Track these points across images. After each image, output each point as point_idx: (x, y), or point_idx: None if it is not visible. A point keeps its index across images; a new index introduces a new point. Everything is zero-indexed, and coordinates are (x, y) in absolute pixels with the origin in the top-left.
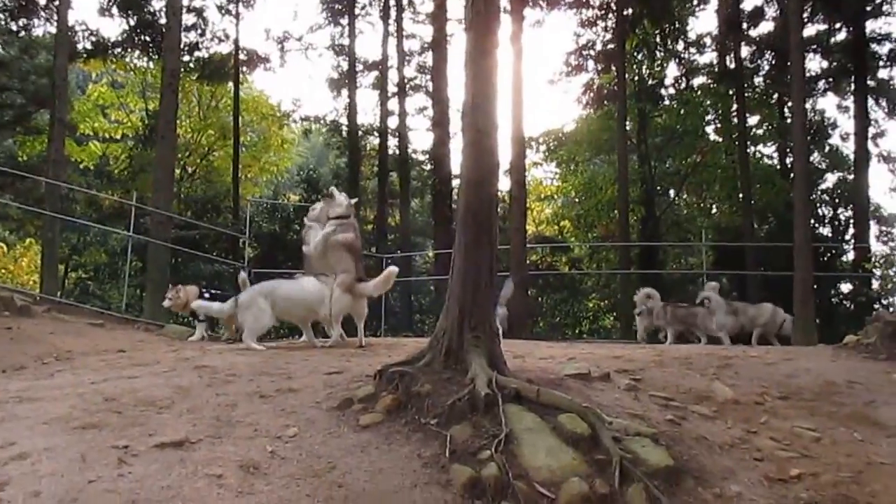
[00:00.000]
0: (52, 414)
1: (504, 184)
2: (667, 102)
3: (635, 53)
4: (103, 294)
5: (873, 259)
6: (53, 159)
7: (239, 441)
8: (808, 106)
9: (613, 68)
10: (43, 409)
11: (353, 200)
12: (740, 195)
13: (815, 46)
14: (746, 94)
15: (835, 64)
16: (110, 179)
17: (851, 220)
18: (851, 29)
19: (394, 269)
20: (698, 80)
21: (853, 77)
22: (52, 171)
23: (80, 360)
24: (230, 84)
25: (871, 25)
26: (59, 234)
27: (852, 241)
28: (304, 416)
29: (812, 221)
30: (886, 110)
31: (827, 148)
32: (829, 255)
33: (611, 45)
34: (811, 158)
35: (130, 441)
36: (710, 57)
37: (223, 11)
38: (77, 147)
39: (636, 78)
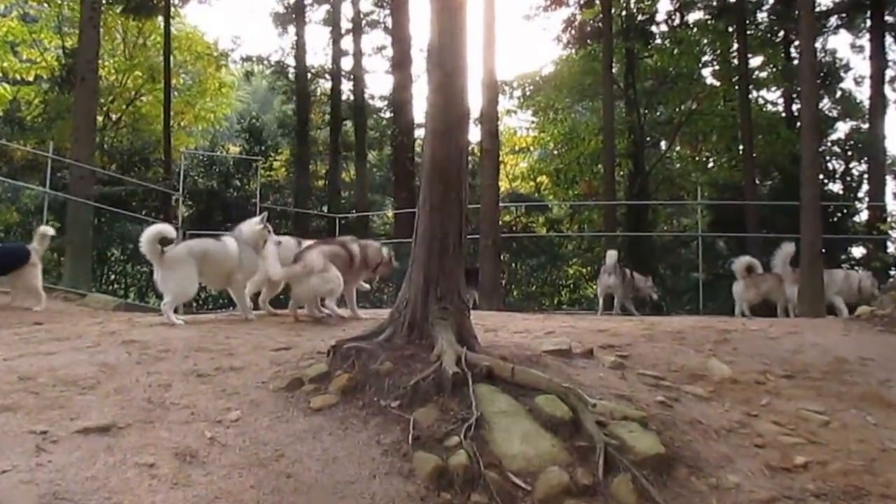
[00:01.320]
0: None
1: (474, 134)
2: (658, 41)
3: None
4: None
5: (889, 220)
6: None
7: (173, 426)
8: (817, 45)
9: (598, 2)
10: None
11: None
12: (740, 147)
13: None
14: (748, 32)
15: None
16: (22, 127)
17: (865, 176)
18: None
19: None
20: (694, 16)
21: (869, 12)
22: None
23: None
24: (159, 19)
25: None
26: None
27: (866, 199)
28: (247, 398)
29: (821, 177)
30: None
31: (839, 93)
32: (839, 214)
33: None
34: (821, 105)
35: (49, 426)
36: None
37: None
38: None
39: (623, 13)
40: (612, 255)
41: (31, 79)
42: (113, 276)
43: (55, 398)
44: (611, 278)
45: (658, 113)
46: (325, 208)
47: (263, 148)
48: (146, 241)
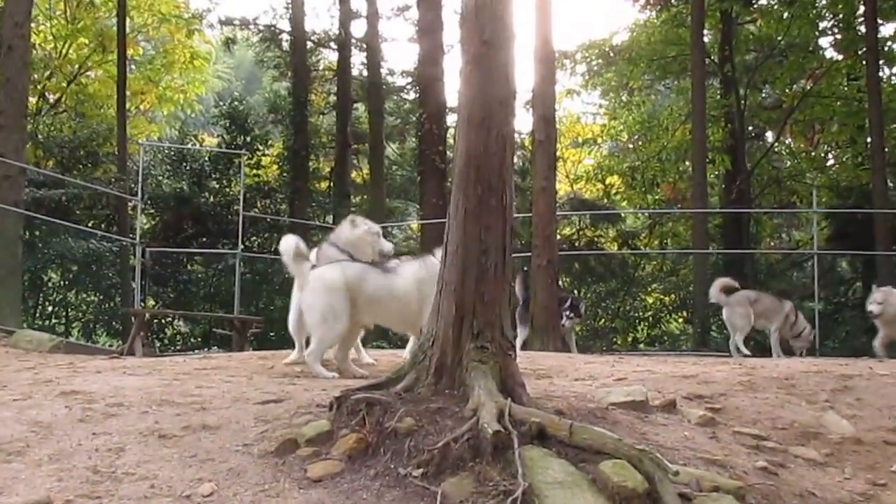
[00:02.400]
0: None
1: (524, 122)
2: (763, 2)
3: None
4: None
5: None
6: None
7: (127, 503)
8: None
9: None
10: None
11: None
12: (867, 139)
13: None
14: None
15: None
16: None
17: None
18: None
19: None
20: None
21: None
22: None
23: None
24: None
25: None
26: None
27: None
28: (224, 466)
29: None
30: None
31: None
32: None
33: None
34: None
35: None
36: None
37: None
38: None
39: None
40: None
41: None
42: (50, 308)
43: None
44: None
45: (763, 95)
46: (329, 218)
47: (249, 139)
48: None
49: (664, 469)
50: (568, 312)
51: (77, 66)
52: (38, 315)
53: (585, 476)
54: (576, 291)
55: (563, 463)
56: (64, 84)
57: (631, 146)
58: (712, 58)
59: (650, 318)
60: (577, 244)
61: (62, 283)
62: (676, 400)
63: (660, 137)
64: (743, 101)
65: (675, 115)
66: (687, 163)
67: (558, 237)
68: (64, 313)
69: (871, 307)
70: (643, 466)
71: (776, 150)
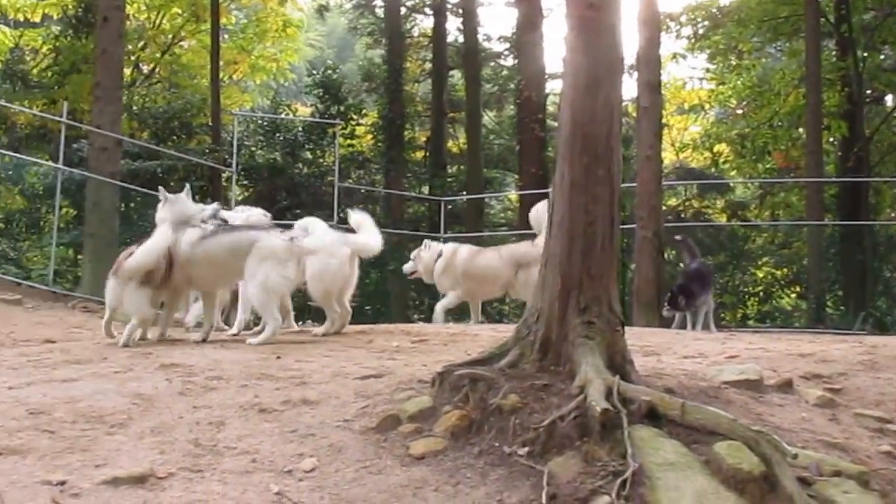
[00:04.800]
0: None
1: (627, 88)
2: None
3: None
4: (20, 257)
5: None
6: None
7: (228, 477)
8: None
9: None
10: None
11: None
12: None
13: None
14: None
15: None
16: (27, 84)
17: None
18: None
19: None
20: None
21: None
22: None
23: None
24: None
25: None
26: None
27: None
28: (325, 442)
29: None
30: None
31: None
32: None
33: None
34: None
35: (69, 474)
36: None
37: None
38: None
39: None
40: None
41: (37, 19)
42: None
43: (75, 439)
44: None
45: (882, 56)
46: (425, 189)
47: (343, 108)
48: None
49: (782, 451)
50: (666, 305)
51: (171, 36)
52: None
53: (698, 458)
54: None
55: (675, 443)
56: (158, 55)
57: (740, 112)
58: (827, 17)
59: (761, 294)
60: (683, 215)
61: None
62: (793, 379)
63: (771, 103)
64: (861, 64)
65: (788, 79)
66: (800, 129)
67: (664, 208)
68: None
69: None
70: (759, 448)
71: None
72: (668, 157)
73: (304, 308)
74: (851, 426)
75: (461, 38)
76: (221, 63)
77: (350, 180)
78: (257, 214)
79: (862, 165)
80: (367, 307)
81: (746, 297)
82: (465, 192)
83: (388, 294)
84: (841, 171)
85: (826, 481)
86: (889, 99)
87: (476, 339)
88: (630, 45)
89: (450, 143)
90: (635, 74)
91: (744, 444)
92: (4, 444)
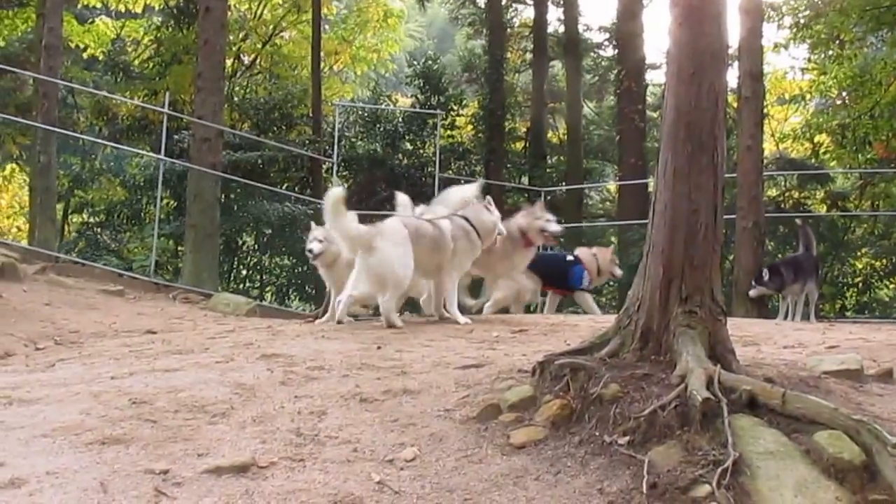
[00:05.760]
0: (56, 422)
1: (729, 77)
2: None
3: None
4: (121, 248)
5: None
6: (45, 44)
7: (330, 466)
8: None
9: None
10: (42, 414)
11: None
12: None
13: None
14: None
15: None
16: (128, 75)
17: None
18: None
19: None
20: None
21: None
22: (44, 63)
23: (91, 345)
24: None
25: None
26: (56, 157)
27: None
28: (426, 431)
29: None
30: None
31: None
32: None
33: None
34: None
35: (171, 464)
36: None
37: None
38: (79, 26)
39: None
40: None
41: (138, 10)
42: (245, 272)
43: (178, 428)
44: None
45: None
46: (524, 180)
47: (443, 99)
48: None
49: (883, 441)
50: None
51: (272, 26)
52: (232, 278)
53: (798, 447)
54: (780, 256)
55: (775, 433)
56: (259, 45)
57: (840, 102)
58: None
59: (859, 285)
60: (783, 206)
61: (256, 246)
62: (893, 369)
63: (873, 93)
64: None
65: (890, 68)
66: None
67: (764, 198)
68: (258, 277)
69: None
70: (860, 438)
71: None
72: (769, 147)
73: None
74: None
75: (562, 29)
76: (322, 53)
77: (450, 171)
78: None
79: None
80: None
81: (845, 287)
82: (564, 183)
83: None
84: None
85: None
86: None
87: (576, 328)
88: (732, 34)
89: (550, 134)
90: (737, 64)
91: (844, 434)
92: (108, 434)
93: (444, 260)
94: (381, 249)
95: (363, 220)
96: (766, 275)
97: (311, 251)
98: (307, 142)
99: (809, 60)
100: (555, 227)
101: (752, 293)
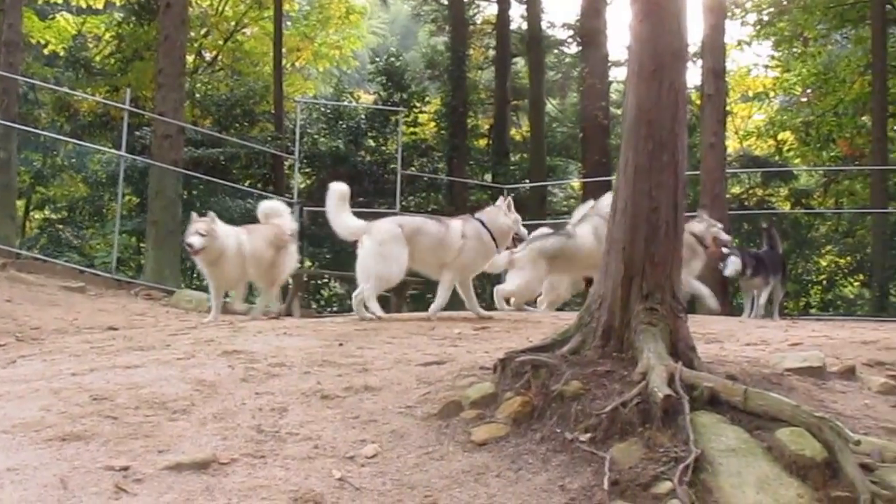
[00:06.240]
0: (16, 419)
1: (691, 75)
2: None
3: None
4: (83, 244)
5: None
6: (5, 40)
7: (291, 463)
8: None
9: None
10: (2, 411)
11: None
12: None
13: None
14: None
15: None
16: (90, 71)
17: None
18: None
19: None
20: None
21: None
22: (4, 59)
23: (52, 341)
24: None
25: None
26: (16, 153)
27: None
28: (387, 428)
29: None
30: None
31: None
32: None
33: None
34: None
35: (132, 460)
36: None
37: None
38: (40, 22)
39: None
40: None
41: (99, 6)
42: None
43: (138, 424)
44: None
45: None
46: (487, 177)
47: (405, 96)
48: None
49: (845, 438)
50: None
51: (233, 23)
52: (195, 275)
53: (760, 444)
54: None
55: (737, 430)
56: (220, 42)
57: (805, 100)
58: (893, 4)
59: (824, 282)
60: (746, 203)
61: None
62: (856, 366)
63: (836, 90)
64: None
65: (853, 66)
66: (865, 117)
67: (727, 196)
68: None
69: None
70: (822, 435)
71: None
72: (732, 144)
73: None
74: None
75: (525, 26)
76: (284, 50)
77: (413, 168)
78: None
79: None
80: (429, 295)
81: (809, 285)
82: (527, 180)
83: None
84: None
85: (888, 468)
86: None
87: (538, 326)
88: (695, 32)
89: (513, 131)
90: (700, 61)
91: (806, 431)
92: (68, 430)
93: (446, 258)
94: (365, 246)
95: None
96: (729, 254)
97: (190, 245)
98: (269, 138)
99: (773, 58)
100: (725, 236)
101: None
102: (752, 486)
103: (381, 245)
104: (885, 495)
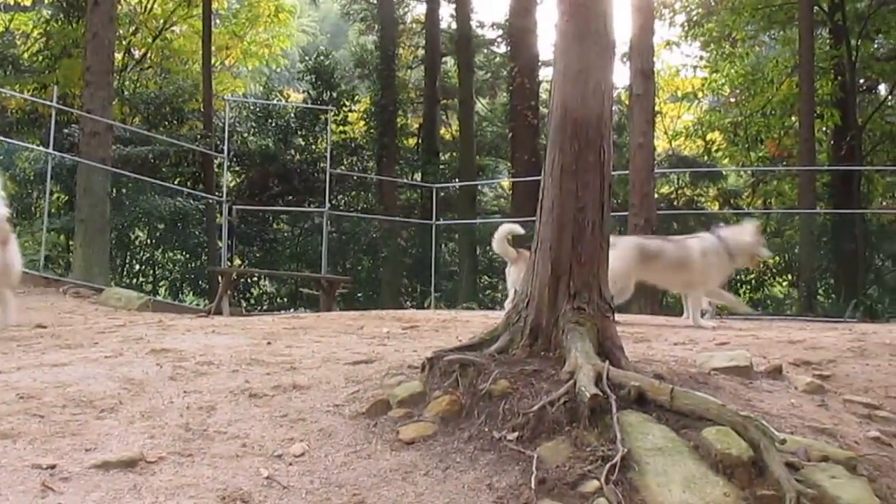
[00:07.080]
0: None
1: (621, 75)
2: None
3: None
4: None
5: None
6: None
7: (219, 461)
8: None
9: None
10: None
11: None
12: None
13: None
14: None
15: None
16: (17, 69)
17: None
18: None
19: None
20: None
21: None
22: None
23: None
24: None
25: None
26: None
27: None
28: (315, 426)
29: None
30: None
31: None
32: None
33: None
34: None
35: (59, 458)
36: None
37: None
38: None
39: None
40: None
41: (27, 3)
42: (138, 266)
43: (65, 423)
44: None
45: (876, 45)
46: (417, 176)
47: (335, 95)
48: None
49: (770, 437)
50: None
51: (162, 21)
52: (125, 273)
53: (686, 443)
54: None
55: (664, 429)
56: (149, 39)
57: (733, 100)
58: (821, 6)
59: (753, 282)
60: (675, 203)
61: (149, 241)
62: (782, 366)
63: (764, 91)
64: (854, 53)
65: (781, 67)
66: (793, 118)
67: (656, 196)
68: (151, 271)
69: None
70: (748, 434)
71: (890, 104)
72: (661, 144)
73: None
74: (840, 412)
75: (454, 25)
76: (213, 48)
77: (342, 167)
78: None
79: (854, 154)
80: (359, 294)
81: (739, 284)
82: (457, 179)
83: (379, 281)
84: (833, 160)
85: (814, 466)
86: (882, 88)
87: (467, 325)
88: (623, 32)
89: (442, 130)
90: (628, 62)
91: (732, 430)
92: None
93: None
94: None
95: (257, 214)
96: None
97: None
98: (198, 137)
99: (702, 58)
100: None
101: None
102: (679, 484)
103: None
104: (810, 494)
